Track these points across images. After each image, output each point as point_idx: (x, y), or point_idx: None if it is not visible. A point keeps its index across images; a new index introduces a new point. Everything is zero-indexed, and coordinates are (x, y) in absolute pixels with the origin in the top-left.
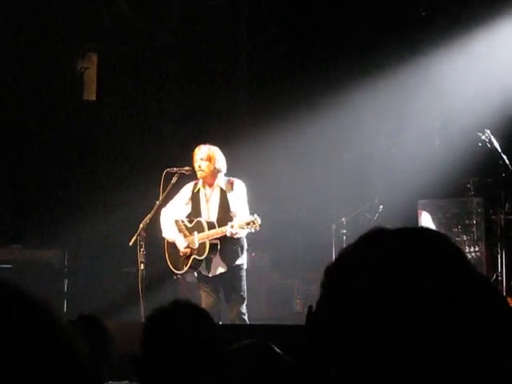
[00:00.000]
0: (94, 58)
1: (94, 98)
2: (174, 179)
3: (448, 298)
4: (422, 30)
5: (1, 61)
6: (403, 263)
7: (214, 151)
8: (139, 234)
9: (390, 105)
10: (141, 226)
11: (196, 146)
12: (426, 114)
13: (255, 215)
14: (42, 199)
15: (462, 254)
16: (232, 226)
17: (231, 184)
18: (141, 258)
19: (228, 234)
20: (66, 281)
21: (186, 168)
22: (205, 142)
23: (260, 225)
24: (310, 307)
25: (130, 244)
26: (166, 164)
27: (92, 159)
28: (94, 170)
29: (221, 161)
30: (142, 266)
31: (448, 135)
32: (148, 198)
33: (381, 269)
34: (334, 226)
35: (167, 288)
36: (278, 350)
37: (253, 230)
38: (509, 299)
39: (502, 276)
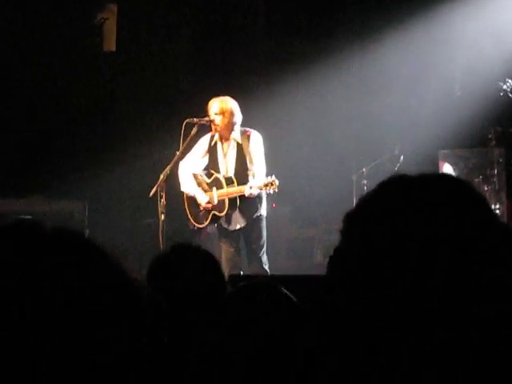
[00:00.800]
0: (114, 8)
1: (113, 48)
2: (194, 130)
3: (467, 244)
4: None
5: (20, 11)
6: (423, 207)
7: (228, 104)
8: (159, 185)
9: (411, 54)
10: (161, 176)
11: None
12: (446, 63)
13: (273, 176)
14: (62, 150)
15: (484, 201)
16: (251, 187)
17: (248, 136)
18: (161, 209)
19: (246, 195)
20: (87, 231)
21: (206, 118)
22: (219, 95)
23: (278, 186)
24: (331, 257)
25: (151, 195)
26: (185, 115)
27: (112, 110)
28: (114, 120)
29: (235, 113)
30: (163, 217)
31: (469, 85)
32: (168, 148)
33: (400, 213)
34: (354, 177)
35: (188, 238)
36: (289, 295)
37: (271, 192)
38: None
39: None
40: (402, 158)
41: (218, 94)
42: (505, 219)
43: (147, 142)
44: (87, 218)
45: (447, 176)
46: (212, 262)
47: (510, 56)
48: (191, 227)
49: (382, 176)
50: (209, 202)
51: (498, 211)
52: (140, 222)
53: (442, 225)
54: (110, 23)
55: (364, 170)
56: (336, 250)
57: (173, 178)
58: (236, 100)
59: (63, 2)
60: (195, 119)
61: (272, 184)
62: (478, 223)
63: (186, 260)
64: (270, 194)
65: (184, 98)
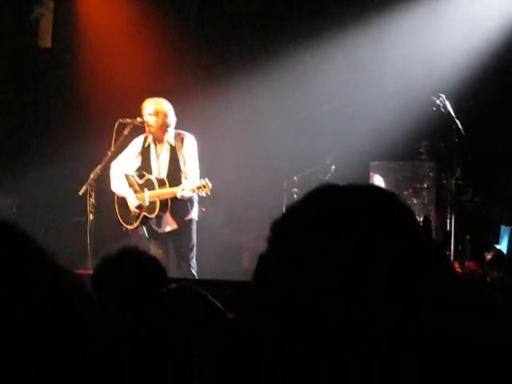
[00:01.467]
0: (51, 4)
1: (49, 45)
2: (127, 130)
3: (393, 254)
4: None
5: None
6: (350, 217)
7: (162, 105)
8: (89, 184)
9: (345, 65)
10: (91, 175)
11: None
12: (382, 74)
13: (206, 179)
14: None
15: (410, 212)
16: (183, 189)
17: (181, 139)
18: (90, 208)
19: (178, 197)
20: None
21: (139, 119)
22: (155, 96)
23: (211, 189)
24: (257, 265)
25: (80, 193)
26: (118, 115)
27: (45, 107)
28: (46, 117)
29: (169, 115)
30: (91, 217)
31: (403, 98)
32: (99, 148)
33: (327, 222)
34: (285, 184)
35: (117, 239)
36: (211, 298)
37: (204, 194)
38: (456, 264)
39: (450, 241)
40: (333, 167)
41: (152, 95)
42: (433, 233)
43: (79, 140)
44: (15, 214)
45: (375, 187)
46: (158, 267)
47: (444, 71)
48: (123, 228)
49: (313, 185)
50: (138, 206)
51: None
52: (69, 221)
53: (366, 235)
54: (46, 19)
55: (295, 178)
56: (261, 257)
57: (103, 178)
58: (170, 102)
59: None
60: (128, 119)
61: (205, 187)
62: (402, 233)
63: (132, 264)
64: (202, 196)
65: (117, 97)
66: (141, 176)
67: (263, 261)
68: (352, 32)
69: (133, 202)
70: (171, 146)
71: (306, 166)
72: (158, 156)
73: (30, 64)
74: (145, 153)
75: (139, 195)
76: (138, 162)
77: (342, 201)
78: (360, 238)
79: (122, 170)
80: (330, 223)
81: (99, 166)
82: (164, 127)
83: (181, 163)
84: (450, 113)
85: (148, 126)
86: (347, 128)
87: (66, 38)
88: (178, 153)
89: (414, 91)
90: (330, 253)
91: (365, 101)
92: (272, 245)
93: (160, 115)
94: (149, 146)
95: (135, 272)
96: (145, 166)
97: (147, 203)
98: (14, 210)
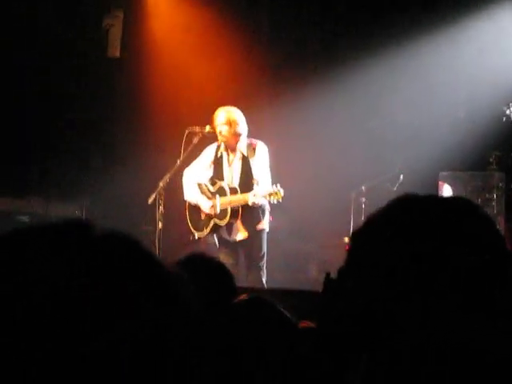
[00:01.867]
0: (120, 14)
1: (117, 54)
2: (196, 139)
3: (468, 268)
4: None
5: (28, 15)
6: (429, 231)
7: (234, 114)
8: (158, 193)
9: (415, 74)
10: (160, 184)
11: (217, 108)
12: (451, 85)
13: (278, 186)
14: (63, 152)
15: (493, 224)
16: (254, 195)
17: (253, 148)
18: (159, 217)
19: (250, 204)
20: None
21: (208, 128)
22: (225, 104)
23: (282, 196)
24: (328, 274)
25: (149, 202)
26: (187, 123)
27: (115, 116)
28: (116, 126)
29: (241, 124)
30: (160, 225)
31: (473, 108)
32: (169, 157)
33: (407, 236)
34: (353, 194)
35: (185, 247)
36: (282, 309)
37: (275, 202)
38: None
39: None
40: (401, 177)
41: (221, 103)
42: None
43: (148, 149)
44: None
45: (455, 198)
46: (226, 274)
47: None
48: (191, 237)
49: (381, 194)
50: (212, 207)
51: None
52: (138, 229)
53: (443, 247)
54: (115, 29)
55: (363, 187)
56: (341, 269)
57: (172, 187)
58: (241, 110)
59: (70, 8)
60: (197, 128)
61: (276, 194)
62: (482, 245)
63: (200, 270)
64: (273, 204)
65: (186, 106)
66: (213, 184)
67: (343, 272)
68: (421, 42)
69: (205, 205)
70: (243, 154)
71: (374, 175)
72: (230, 165)
73: (99, 73)
74: (217, 162)
75: (211, 201)
76: (210, 172)
77: (423, 212)
78: (436, 249)
79: (194, 179)
80: (409, 234)
81: (168, 175)
82: (236, 136)
83: (253, 172)
84: None
85: (221, 135)
86: (416, 138)
87: (134, 48)
88: (251, 161)
89: (484, 101)
90: (408, 264)
91: (435, 110)
92: (352, 255)
93: (232, 124)
94: (221, 155)
95: (204, 277)
96: (217, 175)
97: (218, 210)
98: (84, 217)
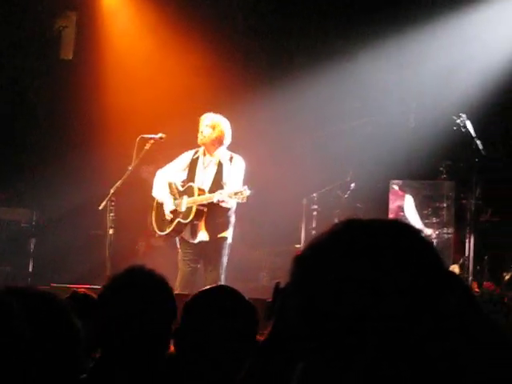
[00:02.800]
0: (73, 16)
1: (70, 57)
2: (148, 146)
3: (414, 293)
4: (400, 12)
5: None
6: (375, 254)
7: (221, 121)
8: (109, 199)
9: (368, 83)
10: (111, 190)
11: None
12: (402, 94)
13: (245, 187)
14: (11, 158)
15: (433, 250)
16: (220, 193)
17: (231, 158)
18: (110, 223)
19: (215, 201)
20: (33, 240)
21: (160, 135)
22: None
23: (247, 197)
24: (278, 283)
25: (100, 208)
26: (141, 129)
27: (66, 119)
28: (67, 130)
29: (225, 133)
30: (111, 231)
31: (423, 117)
32: (120, 162)
33: (350, 264)
34: (304, 201)
35: (134, 253)
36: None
37: (239, 201)
38: (474, 284)
39: (468, 260)
40: (353, 185)
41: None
42: (451, 252)
43: (99, 154)
44: (34, 226)
45: (398, 224)
46: (165, 288)
47: (465, 91)
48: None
49: (332, 202)
50: (174, 211)
51: (445, 243)
52: (88, 233)
53: (387, 271)
54: (68, 31)
55: (315, 195)
56: (283, 291)
57: (123, 193)
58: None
59: (22, 9)
60: (149, 135)
61: (241, 193)
62: (425, 273)
63: (140, 283)
64: (238, 202)
65: (139, 112)
66: (183, 185)
67: (287, 294)
68: (372, 51)
69: (169, 207)
70: (220, 161)
71: (325, 182)
72: (204, 168)
73: (51, 75)
74: (192, 165)
75: (177, 201)
76: (184, 175)
77: (368, 239)
78: (381, 273)
79: (166, 178)
80: (356, 261)
81: (119, 181)
82: (216, 143)
83: (224, 179)
84: (470, 133)
85: (201, 135)
86: (367, 146)
87: (87, 50)
88: (225, 170)
89: (435, 111)
90: (355, 289)
91: (385, 119)
92: (296, 279)
93: (216, 130)
94: (197, 158)
95: (139, 292)
96: (190, 177)
97: (183, 209)
98: (34, 222)
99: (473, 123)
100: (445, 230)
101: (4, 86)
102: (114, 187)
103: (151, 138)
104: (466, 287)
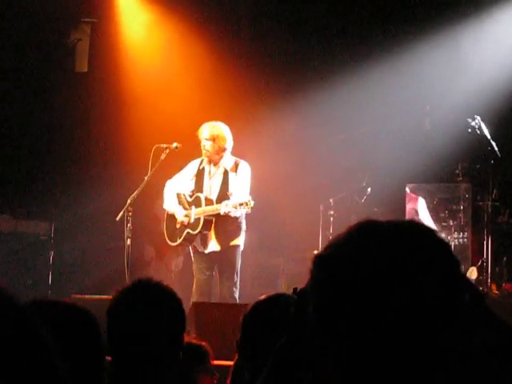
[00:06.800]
0: (88, 29)
1: (85, 69)
2: (163, 155)
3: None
4: (413, 18)
5: None
6: (394, 258)
7: (219, 130)
8: (126, 210)
9: (382, 88)
10: (128, 201)
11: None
12: (417, 98)
13: (249, 197)
14: (31, 170)
15: (449, 251)
16: (226, 205)
17: (236, 165)
18: (127, 233)
19: (221, 213)
20: (52, 252)
21: (175, 144)
22: (195, 121)
23: (252, 207)
24: (295, 289)
25: (117, 219)
26: (157, 139)
27: (83, 131)
28: (85, 142)
29: (227, 139)
30: (129, 242)
31: (438, 120)
32: (137, 173)
33: (369, 263)
34: (321, 207)
35: (152, 264)
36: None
37: (244, 211)
38: (493, 285)
39: (487, 262)
40: (369, 190)
41: (193, 120)
42: (469, 254)
43: (115, 166)
44: (53, 238)
45: (414, 226)
46: (173, 300)
47: (480, 94)
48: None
49: (349, 207)
50: (186, 216)
51: (462, 245)
52: (106, 245)
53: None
54: (83, 44)
55: (331, 200)
56: (302, 291)
57: (140, 203)
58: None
59: (37, 21)
60: (164, 145)
61: (247, 204)
62: (442, 274)
63: (147, 296)
64: (244, 213)
65: (154, 122)
66: (192, 195)
67: (304, 294)
68: (389, 56)
69: (180, 213)
70: (226, 169)
71: (341, 188)
72: (211, 178)
73: (67, 88)
74: (199, 175)
75: (187, 212)
76: (192, 185)
77: (385, 239)
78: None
79: (175, 189)
80: (374, 261)
81: (136, 192)
82: (220, 152)
83: (231, 187)
84: (485, 135)
85: (204, 149)
86: (383, 150)
87: (102, 62)
88: (231, 179)
89: (450, 114)
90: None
91: (400, 123)
92: (316, 278)
93: (216, 140)
94: (204, 168)
95: (146, 305)
96: (197, 188)
97: (193, 220)
98: (52, 234)
99: (487, 125)
100: (462, 233)
101: (20, 99)
102: (131, 198)
103: (166, 148)
104: (478, 291)
